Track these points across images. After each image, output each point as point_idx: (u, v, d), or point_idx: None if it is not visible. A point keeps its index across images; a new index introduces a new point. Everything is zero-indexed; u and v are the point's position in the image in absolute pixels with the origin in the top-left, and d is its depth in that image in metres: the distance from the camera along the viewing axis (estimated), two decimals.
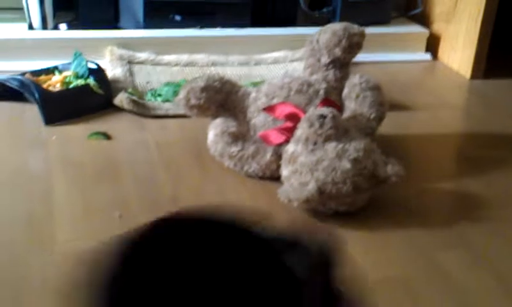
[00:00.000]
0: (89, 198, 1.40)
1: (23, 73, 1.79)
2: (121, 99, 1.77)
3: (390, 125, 1.65)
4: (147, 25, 2.17)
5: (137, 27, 2.19)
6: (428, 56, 2.37)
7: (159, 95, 1.86)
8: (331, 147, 1.35)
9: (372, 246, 1.31)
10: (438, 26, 2.38)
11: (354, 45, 1.60)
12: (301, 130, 1.39)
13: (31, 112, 1.72)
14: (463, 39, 2.24)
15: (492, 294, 1.19)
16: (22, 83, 1.75)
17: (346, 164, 1.33)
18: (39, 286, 1.14)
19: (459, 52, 2.26)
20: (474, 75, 2.22)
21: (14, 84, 1.75)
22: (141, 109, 1.78)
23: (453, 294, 1.18)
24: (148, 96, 1.86)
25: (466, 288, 1.20)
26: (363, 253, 1.28)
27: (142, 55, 2.08)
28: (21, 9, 2.10)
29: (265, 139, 1.50)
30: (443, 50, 2.35)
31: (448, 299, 1.17)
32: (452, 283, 1.21)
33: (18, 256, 1.21)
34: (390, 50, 2.33)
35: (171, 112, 1.78)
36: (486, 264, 1.27)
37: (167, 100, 1.83)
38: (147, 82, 1.95)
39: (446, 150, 1.76)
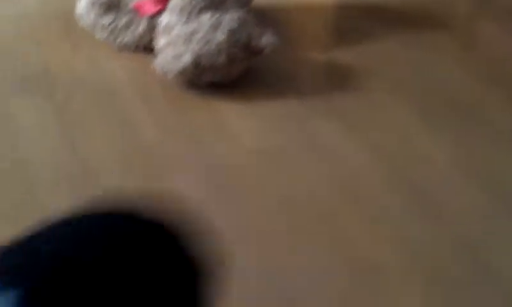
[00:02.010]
0: None
1: None
2: None
3: None
4: None
5: None
6: None
7: None
8: (206, 18, 1.33)
9: (248, 116, 1.33)
10: None
11: None
12: (176, 1, 1.36)
13: None
14: None
15: (365, 160, 1.25)
16: None
17: (221, 35, 1.32)
18: None
19: None
20: None
21: None
22: None
23: (328, 162, 1.23)
24: None
25: (341, 155, 1.25)
26: (239, 123, 1.30)
27: None
28: None
29: (139, 9, 1.45)
30: None
31: (323, 166, 1.22)
32: (326, 151, 1.26)
33: None
34: None
35: None
36: (357, 132, 1.32)
37: None
38: None
39: (320, 21, 1.78)
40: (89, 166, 1.14)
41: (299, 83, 1.45)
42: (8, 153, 1.14)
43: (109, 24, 1.43)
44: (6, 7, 1.59)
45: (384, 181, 1.18)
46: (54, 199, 1.06)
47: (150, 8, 1.44)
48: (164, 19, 1.37)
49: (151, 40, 1.41)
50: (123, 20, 1.44)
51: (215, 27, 1.32)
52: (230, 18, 1.34)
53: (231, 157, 1.21)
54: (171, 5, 1.37)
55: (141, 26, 1.44)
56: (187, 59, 1.31)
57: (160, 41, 1.37)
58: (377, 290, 0.97)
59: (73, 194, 1.08)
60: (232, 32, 1.33)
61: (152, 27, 1.42)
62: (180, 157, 1.20)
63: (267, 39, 1.36)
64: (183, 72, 1.32)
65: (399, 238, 1.06)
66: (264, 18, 1.49)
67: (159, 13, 1.42)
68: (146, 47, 1.44)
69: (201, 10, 1.34)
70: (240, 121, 1.31)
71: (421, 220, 1.09)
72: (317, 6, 1.81)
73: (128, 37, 1.44)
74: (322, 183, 1.17)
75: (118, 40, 1.45)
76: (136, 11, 1.45)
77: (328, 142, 1.28)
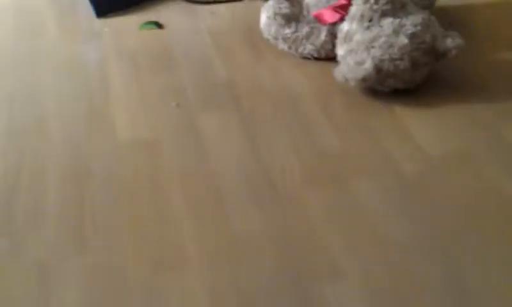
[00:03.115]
0: (145, 88, 1.40)
1: None
2: None
3: None
4: None
5: None
6: None
7: None
8: (388, 23, 1.31)
9: (432, 122, 1.28)
10: None
11: None
12: (356, 7, 1.35)
13: (82, 5, 1.71)
14: None
15: None
16: None
17: (403, 39, 1.29)
18: (102, 176, 1.16)
19: None
20: None
21: None
22: None
23: None
24: None
25: None
26: (422, 129, 1.26)
27: None
28: None
29: (319, 19, 1.46)
30: None
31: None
32: None
33: (81, 147, 1.24)
34: None
35: None
36: None
37: None
38: None
39: (509, 19, 1.69)
40: (273, 175, 1.16)
41: (487, 86, 1.38)
42: (197, 165, 1.19)
43: (291, 35, 1.45)
44: (205, 19, 1.66)
45: None
46: (239, 208, 1.09)
47: (330, 17, 1.44)
48: (345, 27, 1.37)
49: (332, 48, 1.41)
50: (304, 30, 1.45)
51: (397, 31, 1.30)
52: (412, 22, 1.31)
53: (414, 163, 1.18)
54: (351, 13, 1.36)
55: (322, 35, 1.44)
56: (369, 65, 1.29)
57: (342, 49, 1.36)
58: None
59: (258, 202, 1.10)
60: (415, 36, 1.29)
61: (332, 36, 1.42)
62: (363, 163, 1.18)
63: (452, 42, 1.31)
64: (365, 79, 1.30)
65: None
66: (448, 19, 1.44)
67: (339, 21, 1.41)
68: (327, 56, 1.44)
69: (382, 16, 1.32)
70: (424, 128, 1.27)
71: None
72: (506, 3, 1.71)
73: (309, 46, 1.45)
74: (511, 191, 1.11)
75: (300, 50, 1.46)
76: (316, 20, 1.46)
77: None
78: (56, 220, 1.08)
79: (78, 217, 1.09)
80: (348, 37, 1.35)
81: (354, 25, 1.34)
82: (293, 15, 1.47)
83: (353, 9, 1.35)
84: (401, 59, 1.29)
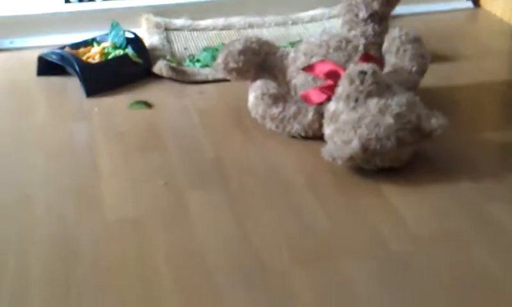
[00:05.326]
0: (134, 167, 1.41)
1: (62, 47, 1.81)
2: (160, 67, 1.77)
3: (433, 77, 1.62)
4: None
5: None
6: (470, 4, 2.30)
7: (198, 61, 1.85)
8: (373, 103, 1.33)
9: (419, 201, 1.29)
10: None
11: None
12: (342, 88, 1.37)
13: (72, 85, 1.74)
14: None
15: None
16: (62, 57, 1.76)
17: (389, 119, 1.31)
18: (89, 258, 1.16)
19: None
20: None
21: (54, 58, 1.77)
22: (181, 76, 1.78)
23: (505, 247, 1.16)
24: (187, 62, 1.85)
25: None
26: (409, 208, 1.26)
27: (178, 22, 2.08)
28: None
29: (306, 99, 1.48)
30: None
31: (500, 252, 1.15)
32: (503, 236, 1.19)
33: (67, 228, 1.23)
34: (430, 0, 2.27)
35: (210, 77, 1.77)
36: None
37: (206, 65, 1.83)
38: (185, 49, 1.95)
39: (492, 100, 1.72)
40: (261, 254, 1.15)
41: (472, 166, 1.39)
42: (185, 244, 1.18)
43: (278, 114, 1.47)
44: (193, 99, 1.69)
45: None
46: (228, 289, 1.08)
47: (317, 97, 1.47)
48: (331, 106, 1.39)
49: (319, 127, 1.43)
50: (291, 110, 1.47)
51: (383, 111, 1.32)
52: (397, 102, 1.33)
53: (401, 242, 1.18)
54: (337, 93, 1.38)
55: (309, 115, 1.46)
56: (355, 144, 1.30)
57: (328, 128, 1.38)
58: None
59: (247, 283, 1.09)
60: (400, 116, 1.32)
61: (319, 115, 1.44)
62: (351, 242, 1.18)
63: (436, 121, 1.33)
64: (352, 158, 1.31)
65: None
66: (432, 99, 1.46)
67: (326, 101, 1.44)
68: (314, 135, 1.46)
69: (368, 96, 1.34)
70: (410, 206, 1.27)
71: None
72: (486, 84, 1.75)
73: (297, 126, 1.47)
74: (498, 272, 1.10)
75: (287, 129, 1.48)
76: (303, 100, 1.48)
77: (507, 228, 1.21)
78: (41, 305, 1.07)
79: (64, 302, 1.07)
80: (335, 117, 1.37)
81: (341, 105, 1.37)
82: (280, 95, 1.50)
83: (339, 90, 1.38)
84: (387, 138, 1.31)
